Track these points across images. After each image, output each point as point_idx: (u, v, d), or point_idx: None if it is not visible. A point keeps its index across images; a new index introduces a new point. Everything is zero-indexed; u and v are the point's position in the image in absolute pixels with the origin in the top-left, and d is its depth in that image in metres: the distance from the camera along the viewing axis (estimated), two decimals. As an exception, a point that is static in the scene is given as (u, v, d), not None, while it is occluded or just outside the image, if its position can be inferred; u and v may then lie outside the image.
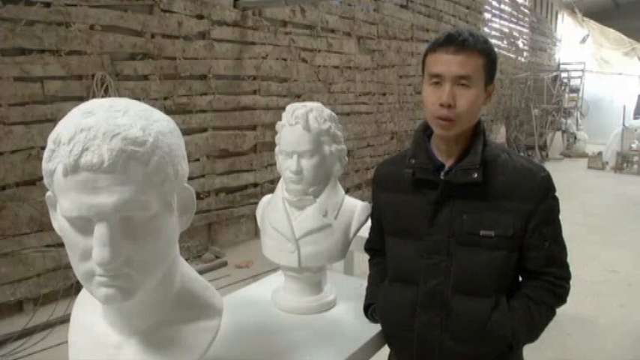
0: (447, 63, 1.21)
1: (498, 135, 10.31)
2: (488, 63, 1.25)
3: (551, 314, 1.32)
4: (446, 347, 1.29)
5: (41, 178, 0.88)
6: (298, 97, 5.69)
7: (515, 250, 1.28)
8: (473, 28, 9.77)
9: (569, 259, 1.34)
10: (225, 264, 4.57)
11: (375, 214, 1.52)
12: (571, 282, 1.33)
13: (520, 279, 1.37)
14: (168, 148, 0.88)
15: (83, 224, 0.82)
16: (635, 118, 12.54)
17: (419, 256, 1.32)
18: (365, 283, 1.58)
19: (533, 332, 1.31)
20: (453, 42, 1.21)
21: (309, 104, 1.47)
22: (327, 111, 1.49)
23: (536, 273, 1.31)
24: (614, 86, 14.45)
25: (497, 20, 11.57)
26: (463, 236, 1.27)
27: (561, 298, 1.32)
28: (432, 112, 1.26)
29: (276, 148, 1.53)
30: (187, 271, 1.07)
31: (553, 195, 1.30)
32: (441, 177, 1.30)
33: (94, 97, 3.45)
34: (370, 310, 1.48)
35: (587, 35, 15.74)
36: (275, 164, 1.57)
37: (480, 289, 1.27)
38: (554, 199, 1.30)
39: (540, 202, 1.26)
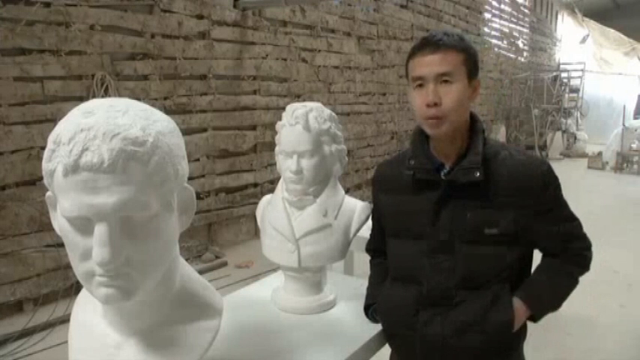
0: (426, 64, 1.25)
1: (498, 135, 10.31)
2: (467, 58, 1.26)
3: (573, 282, 1.35)
4: (448, 345, 1.30)
5: (41, 178, 0.88)
6: (298, 97, 5.69)
7: (518, 245, 1.29)
8: (472, 28, 9.78)
9: None
10: (225, 264, 4.57)
11: (376, 215, 1.52)
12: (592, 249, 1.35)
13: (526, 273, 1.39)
14: (168, 148, 0.88)
15: (83, 224, 0.82)
16: (635, 118, 12.52)
17: (421, 256, 1.32)
18: (365, 283, 1.58)
19: (556, 299, 1.34)
20: (429, 43, 1.26)
21: (309, 104, 1.47)
22: (327, 111, 1.49)
23: (558, 252, 1.34)
24: (614, 86, 14.44)
25: (497, 20, 11.55)
26: (467, 234, 1.28)
27: (585, 266, 1.35)
28: (420, 114, 1.28)
29: (276, 148, 1.53)
30: (187, 271, 1.07)
31: (555, 185, 1.31)
32: (442, 177, 1.30)
33: (94, 97, 3.45)
34: (371, 310, 1.48)
35: (587, 35, 15.74)
36: (275, 164, 1.57)
37: (484, 285, 1.29)
38: (556, 188, 1.32)
39: (542, 195, 1.28)
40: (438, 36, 1.26)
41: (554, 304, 1.35)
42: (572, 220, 1.34)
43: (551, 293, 1.34)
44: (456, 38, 1.26)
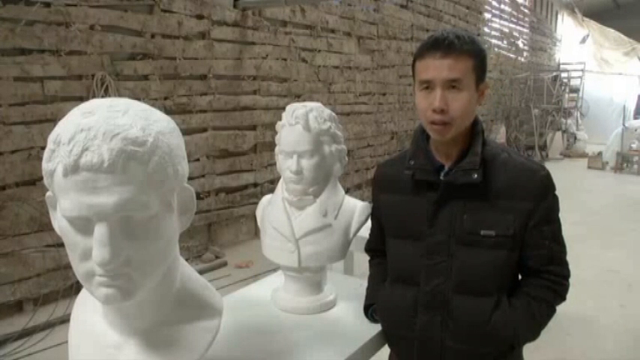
0: (436, 68, 1.21)
1: (498, 135, 10.30)
2: (477, 63, 1.24)
3: (551, 312, 1.32)
4: (447, 347, 1.30)
5: (41, 178, 0.88)
6: (298, 97, 5.69)
7: (516, 249, 1.28)
8: (472, 28, 9.77)
9: (569, 259, 1.34)
10: (225, 264, 4.57)
11: (376, 215, 1.52)
12: (570, 281, 1.33)
13: (519, 277, 1.37)
14: (169, 148, 0.88)
15: (83, 224, 0.82)
16: (635, 118, 12.52)
17: (419, 257, 1.32)
18: (365, 283, 1.57)
19: (534, 330, 1.31)
20: (440, 46, 1.21)
21: (309, 104, 1.47)
22: (327, 111, 1.49)
23: (537, 271, 1.31)
24: (614, 86, 14.43)
25: (497, 20, 11.55)
26: (464, 236, 1.27)
27: (561, 295, 1.32)
28: (425, 117, 1.26)
29: (276, 148, 1.53)
30: (187, 271, 1.07)
31: (553, 194, 1.30)
32: (441, 178, 1.30)
33: (94, 97, 3.45)
34: (370, 311, 1.48)
35: (587, 35, 15.75)
36: (275, 164, 1.57)
37: (481, 288, 1.27)
38: (554, 197, 1.30)
39: (540, 201, 1.26)
40: (449, 38, 1.20)
41: (535, 334, 1.32)
42: (560, 244, 1.32)
43: (532, 325, 1.30)
44: (467, 42, 1.22)
